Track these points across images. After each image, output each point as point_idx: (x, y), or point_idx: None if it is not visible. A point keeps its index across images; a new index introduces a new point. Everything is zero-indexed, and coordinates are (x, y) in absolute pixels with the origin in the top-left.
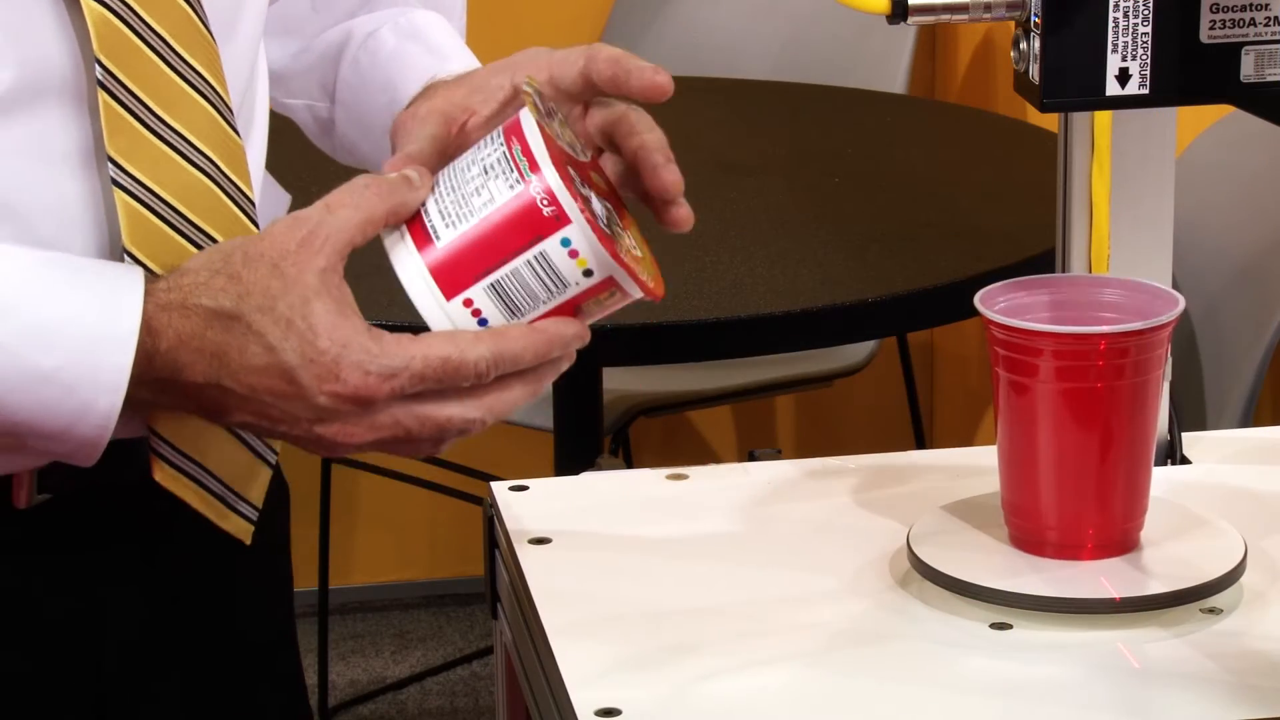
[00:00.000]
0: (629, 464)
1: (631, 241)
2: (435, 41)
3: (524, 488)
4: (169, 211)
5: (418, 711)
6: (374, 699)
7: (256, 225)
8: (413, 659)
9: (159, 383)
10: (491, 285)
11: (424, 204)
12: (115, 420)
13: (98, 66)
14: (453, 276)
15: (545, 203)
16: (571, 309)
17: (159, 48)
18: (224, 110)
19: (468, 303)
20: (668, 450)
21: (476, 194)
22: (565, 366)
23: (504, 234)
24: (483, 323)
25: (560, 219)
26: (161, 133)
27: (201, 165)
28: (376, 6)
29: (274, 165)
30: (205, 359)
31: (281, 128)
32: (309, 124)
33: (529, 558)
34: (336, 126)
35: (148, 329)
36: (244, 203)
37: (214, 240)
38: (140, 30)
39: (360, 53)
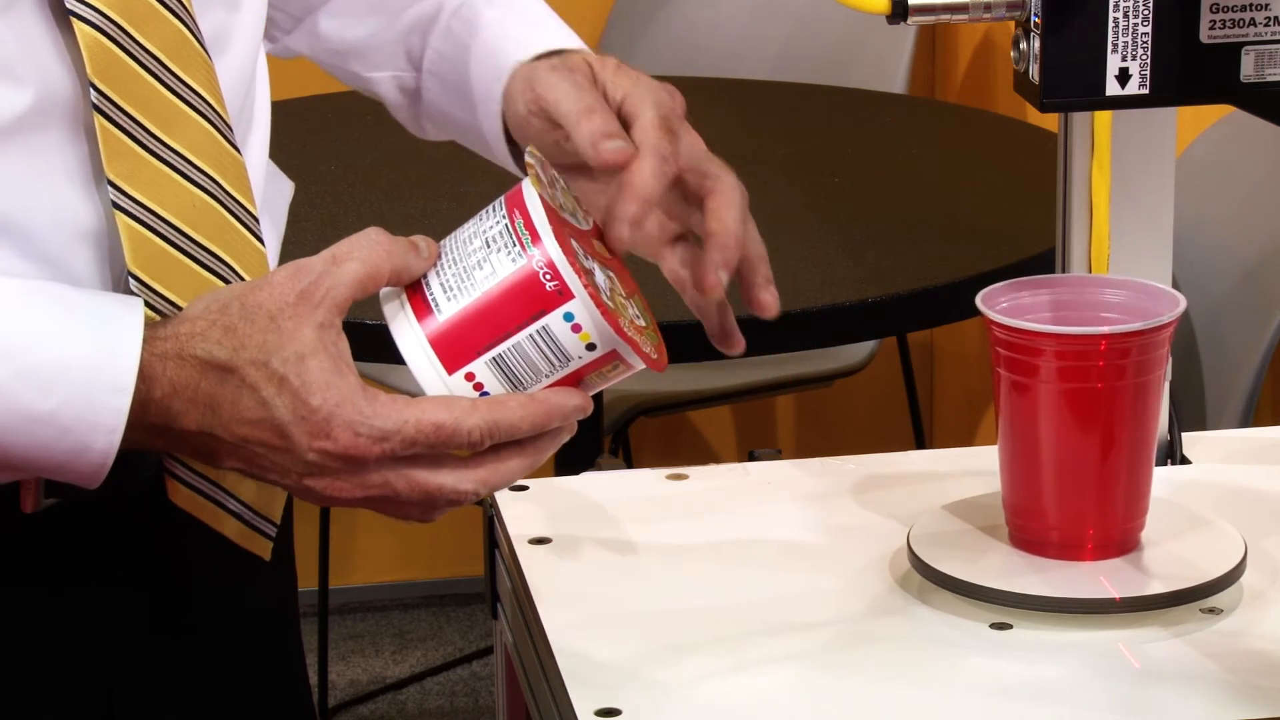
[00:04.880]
0: (629, 464)
1: (635, 312)
2: (530, 10)
3: (524, 488)
4: (172, 232)
5: (418, 711)
6: (374, 699)
7: (260, 240)
8: (413, 659)
9: (152, 429)
10: (494, 359)
11: (425, 275)
12: (112, 459)
13: (92, 90)
14: (455, 350)
15: (548, 277)
16: (574, 381)
17: (153, 68)
18: (222, 127)
19: (469, 376)
20: (668, 450)
21: (479, 267)
22: (565, 438)
23: (506, 308)
24: (484, 396)
25: (563, 293)
26: (160, 153)
27: (202, 184)
28: None
29: (277, 154)
30: (198, 408)
31: (283, 120)
32: (393, 95)
33: (529, 558)
34: (424, 95)
35: (143, 376)
36: (247, 219)
37: (219, 258)
38: (134, 51)
39: (454, 22)
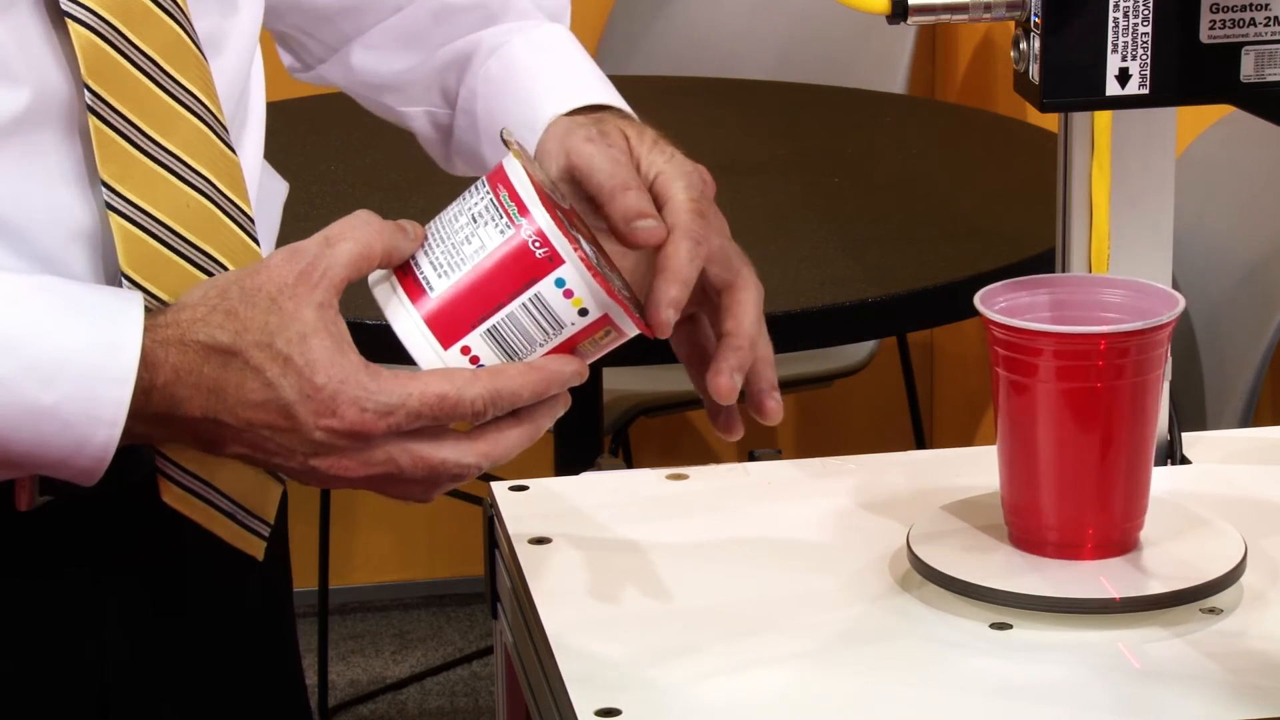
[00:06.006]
0: (629, 464)
1: (621, 283)
2: (568, 59)
3: (524, 488)
4: (166, 233)
5: (418, 711)
6: (374, 699)
7: (256, 242)
8: (413, 659)
9: (156, 417)
10: (489, 331)
11: (414, 257)
12: (112, 453)
13: (86, 91)
14: (449, 325)
15: (537, 244)
16: (568, 350)
17: (149, 69)
18: (218, 128)
19: (465, 350)
20: (668, 450)
21: (467, 242)
22: (561, 410)
23: (498, 279)
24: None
25: (554, 259)
26: (155, 154)
27: (197, 184)
28: (502, 19)
29: (276, 154)
30: (202, 394)
31: (283, 120)
32: (425, 129)
33: (529, 558)
34: (455, 133)
35: (145, 364)
36: (242, 220)
37: (213, 259)
38: (128, 53)
39: (491, 61)
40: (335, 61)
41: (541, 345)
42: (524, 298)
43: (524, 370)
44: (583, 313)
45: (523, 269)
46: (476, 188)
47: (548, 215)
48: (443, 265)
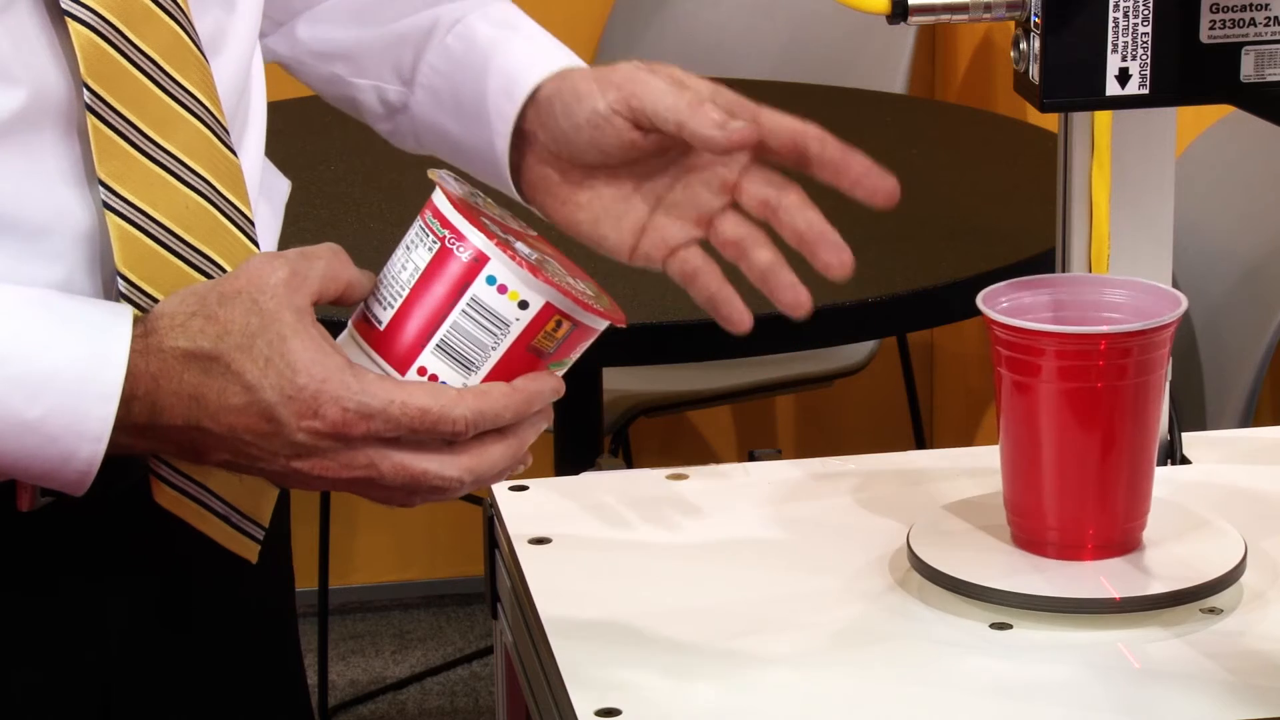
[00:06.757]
0: (629, 464)
1: (583, 287)
2: (529, 31)
3: (524, 488)
4: (164, 234)
5: (418, 711)
6: (374, 699)
7: (256, 244)
8: (413, 659)
9: (138, 428)
10: (438, 346)
11: (366, 302)
12: (96, 467)
13: (86, 90)
14: (402, 352)
15: (461, 250)
16: (524, 350)
17: (149, 69)
18: (218, 129)
19: (422, 371)
20: (668, 450)
21: (403, 269)
22: (544, 425)
23: (434, 293)
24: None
25: (479, 259)
26: (154, 155)
27: (197, 186)
28: None
29: (276, 154)
30: (183, 401)
31: (283, 120)
32: (373, 105)
33: (529, 558)
34: (412, 109)
35: (126, 374)
36: (242, 222)
37: (212, 261)
38: (129, 53)
39: (451, 39)
40: (281, 34)
41: (494, 349)
42: (462, 304)
43: (507, 392)
44: (523, 305)
45: (455, 277)
46: (412, 224)
47: (466, 221)
48: (386, 299)
